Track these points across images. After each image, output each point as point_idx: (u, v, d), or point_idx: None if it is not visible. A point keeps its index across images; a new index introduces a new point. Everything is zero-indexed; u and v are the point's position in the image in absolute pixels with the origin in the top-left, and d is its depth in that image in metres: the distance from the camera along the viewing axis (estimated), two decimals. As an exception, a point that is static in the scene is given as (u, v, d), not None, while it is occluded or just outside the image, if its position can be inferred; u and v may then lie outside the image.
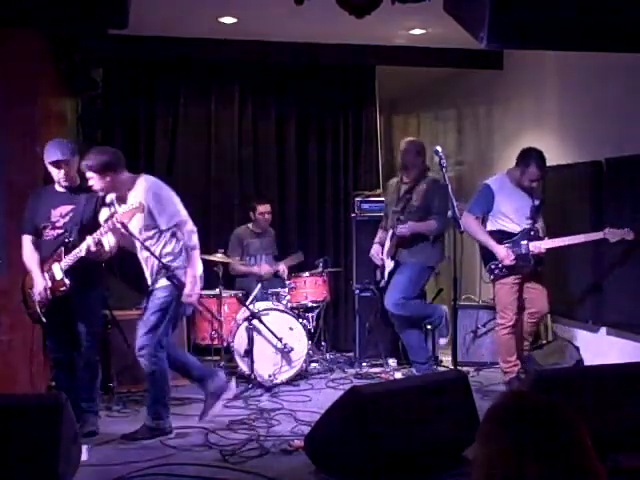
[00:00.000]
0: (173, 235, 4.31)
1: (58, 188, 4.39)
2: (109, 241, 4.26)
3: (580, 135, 5.79)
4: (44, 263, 4.31)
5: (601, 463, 1.26)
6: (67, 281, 4.23)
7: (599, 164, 5.45)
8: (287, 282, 6.06)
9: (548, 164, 5.21)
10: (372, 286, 6.10)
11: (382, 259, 5.72)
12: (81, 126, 6.58)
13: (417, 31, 6.08)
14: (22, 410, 3.28)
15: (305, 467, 3.75)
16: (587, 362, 5.60)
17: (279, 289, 6.01)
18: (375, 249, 5.83)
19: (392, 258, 5.61)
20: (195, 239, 4.34)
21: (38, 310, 4.29)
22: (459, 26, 3.19)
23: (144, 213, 4.14)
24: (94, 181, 4.23)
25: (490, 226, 5.21)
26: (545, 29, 3.00)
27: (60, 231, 4.32)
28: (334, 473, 3.62)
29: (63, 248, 4.26)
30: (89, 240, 4.13)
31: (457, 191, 5.36)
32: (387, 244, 5.64)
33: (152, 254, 4.24)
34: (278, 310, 5.73)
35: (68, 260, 4.22)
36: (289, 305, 5.91)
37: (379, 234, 5.88)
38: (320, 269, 6.18)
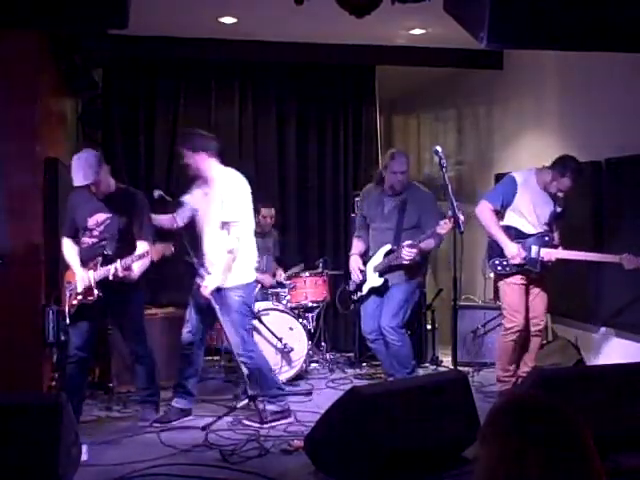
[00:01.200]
0: None
1: (85, 188, 4.34)
2: (140, 265, 4.30)
3: (580, 135, 5.79)
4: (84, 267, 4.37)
5: (602, 463, 1.26)
6: (96, 292, 4.28)
7: (599, 164, 5.45)
8: (287, 282, 6.07)
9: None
10: (346, 303, 5.56)
11: (361, 272, 5.17)
12: (81, 126, 6.58)
13: (417, 31, 6.08)
14: (22, 410, 3.28)
15: (305, 467, 3.75)
16: (587, 362, 5.60)
17: (279, 289, 6.02)
18: (355, 261, 5.24)
19: (381, 275, 5.06)
20: None
21: (66, 308, 4.35)
22: (459, 26, 3.19)
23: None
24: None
25: (505, 221, 4.95)
26: (545, 29, 3.00)
27: (96, 240, 4.37)
28: (334, 473, 3.62)
29: (100, 259, 4.30)
30: (117, 264, 4.20)
31: (457, 191, 5.33)
32: (378, 257, 5.08)
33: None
34: (278, 310, 5.73)
35: (100, 274, 4.27)
36: (289, 305, 5.91)
37: (356, 244, 5.32)
38: (320, 269, 6.18)
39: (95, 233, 4.36)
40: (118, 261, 4.21)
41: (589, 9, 2.98)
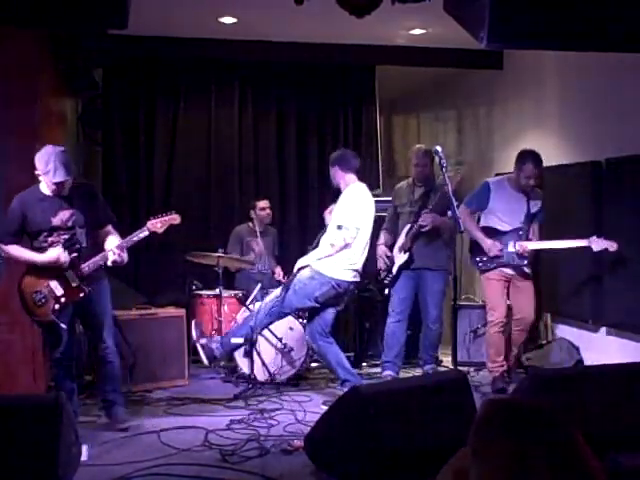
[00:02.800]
0: None
1: (46, 192, 4.21)
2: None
3: (580, 135, 5.79)
4: (50, 270, 4.21)
5: (599, 462, 1.25)
6: (85, 288, 4.22)
7: (599, 164, 5.45)
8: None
9: (548, 164, 5.21)
10: (372, 286, 6.07)
11: (388, 258, 5.64)
12: (81, 126, 6.58)
13: (417, 31, 6.08)
14: (22, 410, 3.27)
15: (305, 467, 3.75)
16: (587, 362, 5.60)
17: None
18: (382, 249, 5.72)
19: (406, 251, 5.53)
20: None
21: (50, 314, 4.19)
22: (459, 26, 3.19)
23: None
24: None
25: (483, 222, 5.33)
26: (545, 29, 3.00)
27: (67, 236, 4.23)
28: (334, 473, 3.62)
29: (76, 254, 4.22)
30: (114, 248, 4.17)
31: (457, 191, 5.34)
32: (401, 239, 5.58)
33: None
34: (278, 310, 5.72)
35: (89, 267, 4.20)
36: (289, 305, 5.90)
37: (383, 236, 5.78)
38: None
39: (62, 231, 4.22)
40: (113, 247, 4.18)
41: (589, 9, 2.98)
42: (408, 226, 5.54)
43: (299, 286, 5.01)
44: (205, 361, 5.28)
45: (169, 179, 6.70)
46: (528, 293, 5.26)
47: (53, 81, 5.62)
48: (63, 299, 4.21)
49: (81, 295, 4.23)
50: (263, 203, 6.42)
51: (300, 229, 6.96)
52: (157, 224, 4.36)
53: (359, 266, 5.06)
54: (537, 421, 1.28)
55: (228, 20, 5.80)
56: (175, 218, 4.42)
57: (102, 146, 6.74)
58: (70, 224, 4.25)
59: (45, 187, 4.21)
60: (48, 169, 4.06)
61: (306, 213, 7.00)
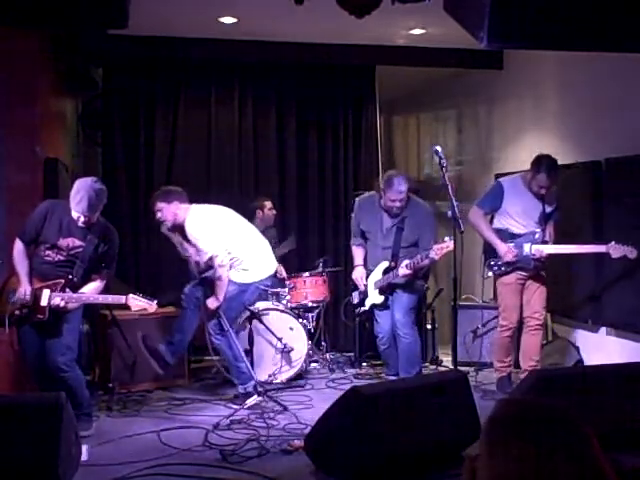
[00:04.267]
0: None
1: (75, 216, 4.20)
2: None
3: (580, 135, 5.79)
4: (34, 278, 4.22)
5: (611, 464, 1.25)
6: (47, 314, 4.15)
7: (599, 164, 5.45)
8: (287, 282, 6.07)
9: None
10: (351, 316, 5.97)
11: (365, 285, 5.40)
12: (81, 126, 6.58)
13: (417, 31, 6.08)
14: (22, 410, 3.27)
15: (305, 467, 3.75)
16: (587, 362, 5.60)
17: (279, 289, 6.02)
18: (359, 272, 5.43)
19: (381, 292, 5.30)
20: None
21: (6, 317, 4.14)
22: (459, 26, 3.18)
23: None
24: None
25: (496, 224, 5.21)
26: (545, 29, 3.00)
27: (62, 259, 4.22)
28: (334, 473, 3.62)
29: (63, 281, 4.19)
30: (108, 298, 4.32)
31: (457, 191, 5.34)
32: (377, 275, 5.29)
33: None
34: (278, 310, 5.73)
35: (69, 299, 4.16)
36: (289, 305, 5.91)
37: (357, 253, 5.48)
38: (320, 269, 6.19)
39: (62, 254, 4.22)
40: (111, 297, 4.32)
41: (589, 9, 2.98)
42: (386, 264, 5.24)
43: (231, 301, 5.02)
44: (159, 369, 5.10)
45: (169, 179, 6.68)
46: (541, 293, 5.19)
47: (53, 81, 5.62)
48: (25, 310, 4.17)
49: (39, 316, 4.16)
50: (269, 203, 6.43)
51: (300, 229, 6.96)
52: (136, 300, 4.32)
53: (267, 259, 5.19)
54: (552, 421, 1.28)
55: (228, 20, 5.79)
56: (152, 307, 4.39)
57: (102, 146, 6.74)
58: (72, 253, 4.23)
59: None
60: (75, 197, 4.11)
61: (306, 213, 6.99)
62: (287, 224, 6.92)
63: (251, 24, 5.90)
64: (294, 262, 6.67)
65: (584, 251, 5.04)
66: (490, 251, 5.18)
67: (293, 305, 5.96)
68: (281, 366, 5.56)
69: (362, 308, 5.44)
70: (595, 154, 5.47)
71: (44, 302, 4.15)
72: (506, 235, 5.12)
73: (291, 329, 5.63)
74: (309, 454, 3.78)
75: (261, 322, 5.46)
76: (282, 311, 5.74)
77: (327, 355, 6.29)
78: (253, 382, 4.98)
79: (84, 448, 3.75)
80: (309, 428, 4.01)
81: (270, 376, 5.49)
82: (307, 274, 6.13)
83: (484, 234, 5.18)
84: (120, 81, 6.63)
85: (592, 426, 1.28)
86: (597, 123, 5.56)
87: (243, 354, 5.05)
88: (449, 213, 5.31)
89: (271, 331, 5.50)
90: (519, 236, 5.08)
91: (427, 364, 6.20)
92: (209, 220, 5.06)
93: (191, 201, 5.17)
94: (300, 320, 5.78)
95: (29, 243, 4.26)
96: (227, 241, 4.99)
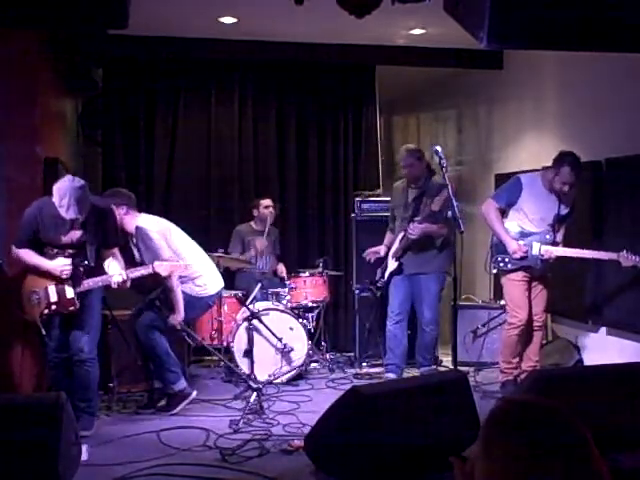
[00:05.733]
0: None
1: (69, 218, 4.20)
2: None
3: (580, 135, 5.79)
4: (53, 275, 4.26)
5: (605, 464, 1.26)
6: (78, 302, 4.26)
7: (599, 164, 5.45)
8: (287, 282, 6.07)
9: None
10: (371, 286, 6.09)
11: (375, 256, 5.77)
12: (81, 126, 6.58)
13: (417, 31, 6.08)
14: (22, 410, 3.28)
15: (305, 467, 3.75)
16: (587, 362, 5.60)
17: (279, 289, 6.02)
18: (375, 249, 5.80)
19: (397, 259, 5.55)
20: None
21: (38, 317, 4.25)
22: (459, 26, 3.18)
23: None
24: None
25: (509, 220, 5.11)
26: (545, 29, 2.99)
27: (72, 251, 4.30)
28: (334, 473, 3.62)
29: (81, 269, 4.27)
30: (119, 274, 4.30)
31: (457, 191, 5.33)
32: (396, 244, 5.58)
33: None
34: (278, 310, 5.73)
35: (88, 284, 4.28)
36: (289, 305, 5.91)
37: (387, 237, 5.80)
38: (320, 269, 6.19)
39: (70, 249, 4.29)
40: (120, 271, 4.34)
41: (589, 9, 2.98)
42: (402, 233, 5.52)
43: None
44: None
45: (169, 179, 6.70)
46: (543, 294, 5.17)
47: (53, 81, 5.62)
48: (54, 307, 4.26)
49: (71, 308, 4.26)
50: (267, 202, 6.41)
51: (300, 229, 6.96)
52: (161, 267, 4.48)
53: (211, 273, 5.16)
54: (553, 422, 1.28)
55: (228, 20, 5.80)
56: (180, 265, 4.61)
57: (102, 146, 6.74)
58: (78, 243, 4.30)
59: None
60: (62, 204, 4.08)
61: (306, 213, 6.99)
62: (287, 224, 6.92)
63: (251, 24, 5.90)
64: (293, 262, 6.68)
65: (594, 256, 4.95)
66: (499, 247, 5.09)
67: (293, 305, 5.96)
68: (281, 366, 5.56)
69: (382, 280, 5.69)
70: (595, 154, 5.47)
71: (70, 294, 4.25)
72: (517, 232, 5.05)
73: (291, 329, 5.63)
74: (309, 454, 3.78)
75: (261, 322, 5.46)
76: (282, 311, 5.75)
77: (327, 355, 6.29)
78: (184, 380, 4.96)
79: (84, 448, 3.74)
80: (309, 428, 4.01)
81: (270, 376, 5.49)
82: (307, 274, 6.14)
83: (495, 228, 5.09)
84: (120, 81, 6.63)
85: (592, 426, 1.28)
86: (597, 123, 5.56)
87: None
88: (449, 213, 5.32)
89: (271, 331, 5.50)
90: (531, 234, 5.02)
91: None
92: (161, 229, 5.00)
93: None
94: (300, 320, 5.78)
95: (26, 247, 4.29)
96: (184, 253, 4.96)
